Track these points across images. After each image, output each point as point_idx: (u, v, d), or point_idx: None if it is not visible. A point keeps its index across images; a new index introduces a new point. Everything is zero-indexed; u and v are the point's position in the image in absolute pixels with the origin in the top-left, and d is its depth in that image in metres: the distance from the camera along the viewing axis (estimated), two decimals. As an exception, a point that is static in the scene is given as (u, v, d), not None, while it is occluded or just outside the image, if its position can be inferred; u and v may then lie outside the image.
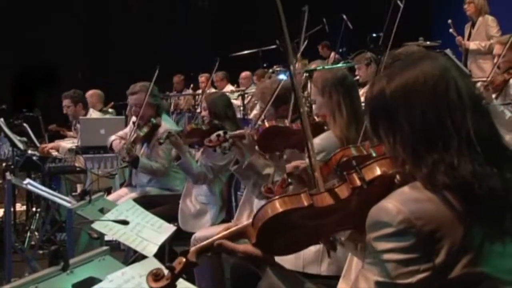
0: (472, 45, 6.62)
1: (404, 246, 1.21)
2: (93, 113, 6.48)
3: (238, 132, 3.10)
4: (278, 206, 1.37)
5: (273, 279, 1.39)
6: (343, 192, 1.37)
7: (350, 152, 2.25)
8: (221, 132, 3.06)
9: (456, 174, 1.23)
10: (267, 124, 3.05)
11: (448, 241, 1.21)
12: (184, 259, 1.41)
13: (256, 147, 3.07)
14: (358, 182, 1.36)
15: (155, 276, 1.39)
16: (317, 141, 2.66)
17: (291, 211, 1.37)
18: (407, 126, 1.28)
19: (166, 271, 1.39)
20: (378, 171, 1.36)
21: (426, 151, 1.26)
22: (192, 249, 1.43)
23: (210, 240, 1.45)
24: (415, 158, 1.27)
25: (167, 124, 4.56)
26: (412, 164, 1.28)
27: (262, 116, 3.37)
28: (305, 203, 1.37)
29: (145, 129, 4.47)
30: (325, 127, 2.86)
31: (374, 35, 7.21)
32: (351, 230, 1.51)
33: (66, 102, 6.37)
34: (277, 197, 1.39)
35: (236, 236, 1.44)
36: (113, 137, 4.84)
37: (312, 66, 6.37)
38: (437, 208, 1.23)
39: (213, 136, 3.14)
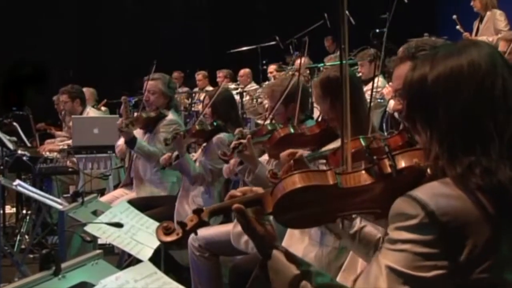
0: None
1: (425, 239, 1.21)
2: (90, 111, 6.47)
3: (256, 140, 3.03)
4: (301, 180, 1.37)
5: (276, 261, 1.39)
6: (371, 176, 1.37)
7: (360, 143, 2.25)
8: (237, 144, 3.02)
9: (492, 178, 1.22)
10: (281, 133, 2.99)
11: (472, 241, 1.21)
12: (197, 217, 1.41)
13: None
14: (389, 169, 1.35)
15: (165, 229, 1.39)
16: (332, 147, 2.63)
17: (314, 187, 1.37)
18: (446, 123, 1.27)
19: (176, 226, 1.39)
20: (410, 161, 1.36)
21: (463, 152, 1.25)
22: (207, 208, 1.44)
23: (227, 202, 1.45)
24: (451, 157, 1.26)
25: (173, 116, 4.61)
26: (447, 162, 1.26)
27: (271, 115, 3.37)
28: (330, 182, 1.37)
29: (151, 114, 4.54)
30: (339, 133, 2.82)
31: (378, 31, 7.21)
32: (369, 214, 1.52)
33: (63, 98, 6.38)
34: (300, 171, 1.40)
35: (253, 202, 1.43)
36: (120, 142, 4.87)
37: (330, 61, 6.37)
38: (466, 206, 1.22)
39: (229, 149, 3.11)
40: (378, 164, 1.37)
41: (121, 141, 4.81)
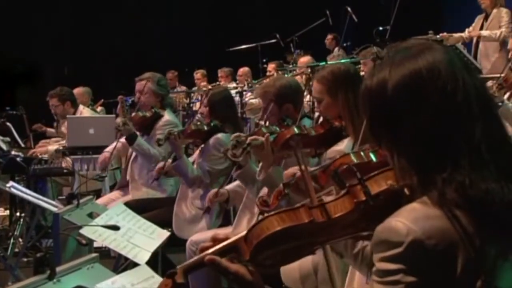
0: (484, 32, 6.75)
1: (414, 267, 1.19)
2: (84, 110, 6.46)
3: (260, 141, 3.01)
4: (275, 223, 1.33)
5: None
6: (346, 206, 1.32)
7: (350, 159, 2.22)
8: (246, 145, 3.03)
9: (468, 193, 1.20)
10: (287, 134, 2.98)
11: (461, 260, 1.19)
12: (171, 281, 1.37)
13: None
14: (363, 197, 1.30)
15: None
16: (338, 148, 2.64)
17: (289, 228, 1.33)
18: (413, 140, 1.25)
19: None
20: (384, 185, 1.31)
21: (435, 169, 1.23)
22: (179, 268, 1.39)
23: (198, 256, 1.41)
24: (422, 176, 1.24)
25: (170, 117, 4.60)
26: (419, 183, 1.24)
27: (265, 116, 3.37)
28: (305, 219, 1.33)
29: (147, 114, 4.56)
30: (344, 133, 2.80)
31: (381, 28, 7.22)
32: (349, 240, 1.49)
33: (53, 102, 6.36)
34: (273, 213, 1.35)
35: (227, 251, 1.39)
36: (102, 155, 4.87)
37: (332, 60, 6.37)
38: (448, 226, 1.20)
39: (238, 151, 3.10)
40: (351, 192, 1.33)
41: (106, 152, 4.81)
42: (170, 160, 4.10)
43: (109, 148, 4.88)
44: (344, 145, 2.67)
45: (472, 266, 1.19)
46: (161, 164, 4.17)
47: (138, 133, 4.63)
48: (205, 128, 4.03)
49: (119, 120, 4.46)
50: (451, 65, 1.27)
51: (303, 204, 1.36)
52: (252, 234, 1.35)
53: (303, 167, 1.56)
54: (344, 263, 2.40)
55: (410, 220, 1.20)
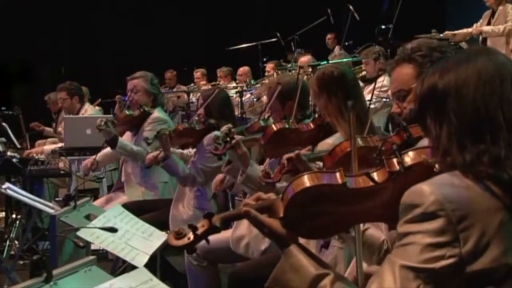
0: (486, 27, 6.78)
1: (432, 228, 1.25)
2: (89, 108, 6.48)
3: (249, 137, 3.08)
4: (310, 180, 1.42)
5: (295, 259, 1.43)
6: (379, 176, 1.42)
7: (356, 142, 2.27)
8: (228, 139, 3.06)
9: (500, 166, 1.28)
10: (275, 127, 3.01)
11: (479, 230, 1.25)
12: (208, 222, 1.46)
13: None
14: (397, 167, 1.41)
15: (177, 234, 1.46)
16: (330, 141, 2.70)
17: (323, 186, 1.41)
18: (456, 117, 1.33)
19: (188, 230, 1.46)
20: (418, 158, 1.42)
21: (473, 142, 1.30)
22: (218, 215, 1.49)
23: (238, 208, 1.52)
24: (460, 147, 1.31)
25: (160, 114, 4.59)
26: (456, 151, 1.31)
27: (266, 113, 3.39)
28: (339, 181, 1.42)
29: (134, 112, 4.54)
30: (336, 128, 2.87)
31: (383, 27, 7.22)
32: (379, 221, 1.55)
33: (61, 95, 6.43)
34: (310, 171, 1.46)
35: (263, 209, 1.49)
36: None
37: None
38: (473, 196, 1.27)
39: (221, 145, 3.16)
40: (386, 163, 1.43)
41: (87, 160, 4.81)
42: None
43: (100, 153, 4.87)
44: (334, 138, 2.73)
45: (488, 239, 1.25)
46: (153, 154, 4.14)
47: (130, 133, 4.63)
48: (198, 127, 4.03)
49: (99, 120, 4.38)
50: (503, 65, 1.36)
51: (339, 169, 1.45)
52: (288, 191, 1.44)
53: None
54: (349, 251, 2.45)
55: (435, 184, 1.28)
